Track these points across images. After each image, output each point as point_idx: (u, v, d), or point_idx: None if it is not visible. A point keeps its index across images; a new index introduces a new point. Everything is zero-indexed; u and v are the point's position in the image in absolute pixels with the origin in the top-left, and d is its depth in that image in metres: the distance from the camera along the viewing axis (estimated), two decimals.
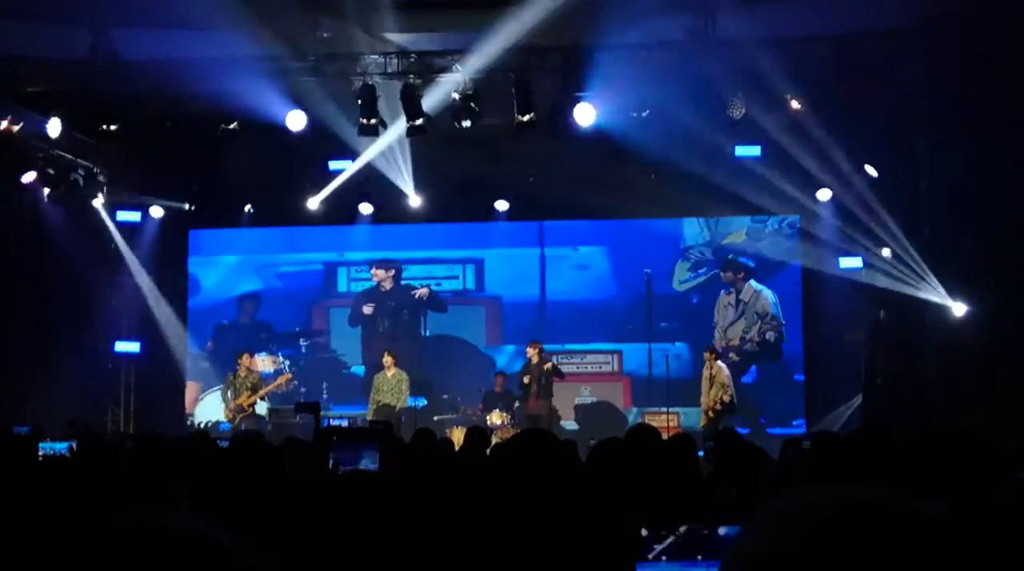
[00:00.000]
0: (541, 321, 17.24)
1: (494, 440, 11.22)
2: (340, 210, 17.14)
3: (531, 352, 15.37)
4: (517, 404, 15.20)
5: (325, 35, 13.82)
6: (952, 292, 13.59)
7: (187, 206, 17.11)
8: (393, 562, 2.02)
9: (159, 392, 17.56)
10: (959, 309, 13.43)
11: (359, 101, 14.12)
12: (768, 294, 17.08)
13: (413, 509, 2.10)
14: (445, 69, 14.14)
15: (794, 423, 16.31)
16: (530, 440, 3.10)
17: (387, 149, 15.51)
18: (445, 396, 16.62)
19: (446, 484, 2.95)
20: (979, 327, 12.82)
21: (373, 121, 14.36)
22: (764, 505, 0.97)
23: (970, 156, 13.01)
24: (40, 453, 8.77)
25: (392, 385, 15.40)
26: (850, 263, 16.08)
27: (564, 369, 15.89)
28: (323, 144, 15.35)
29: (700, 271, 17.32)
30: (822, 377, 16.41)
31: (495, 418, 14.60)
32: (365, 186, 16.76)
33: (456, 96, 14.03)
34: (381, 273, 17.66)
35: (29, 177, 15.81)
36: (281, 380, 16.27)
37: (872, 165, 15.13)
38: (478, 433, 9.14)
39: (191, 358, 17.82)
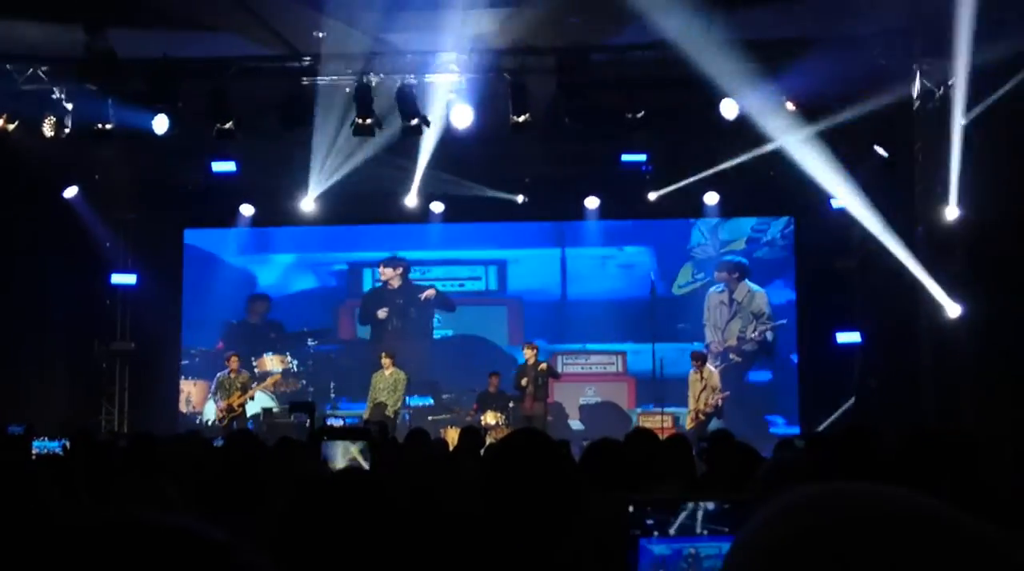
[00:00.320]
0: (562, 320, 17.27)
1: (488, 440, 11.22)
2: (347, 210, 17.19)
3: (527, 353, 15.38)
4: (512, 405, 15.20)
5: (321, 35, 13.81)
6: (948, 293, 13.59)
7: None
8: (384, 561, 2.02)
9: (153, 391, 17.54)
10: (954, 310, 13.43)
11: (355, 101, 14.14)
12: (762, 293, 17.10)
13: (404, 508, 2.10)
14: (442, 69, 14.15)
15: (788, 424, 16.34)
16: (523, 440, 3.10)
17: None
18: (446, 396, 16.72)
19: (438, 483, 2.96)
20: (975, 328, 12.81)
21: (369, 121, 14.36)
22: (757, 504, 0.97)
23: (967, 155, 13.00)
24: (34, 452, 8.78)
25: (388, 384, 15.42)
26: (845, 264, 16.11)
27: (569, 370, 15.98)
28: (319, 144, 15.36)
29: (698, 277, 17.35)
30: (816, 378, 16.42)
31: (490, 418, 14.61)
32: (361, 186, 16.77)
33: (451, 96, 14.05)
34: (389, 271, 17.66)
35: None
36: (269, 381, 16.32)
37: (868, 165, 15.16)
38: (472, 433, 9.15)
39: (188, 356, 17.82)
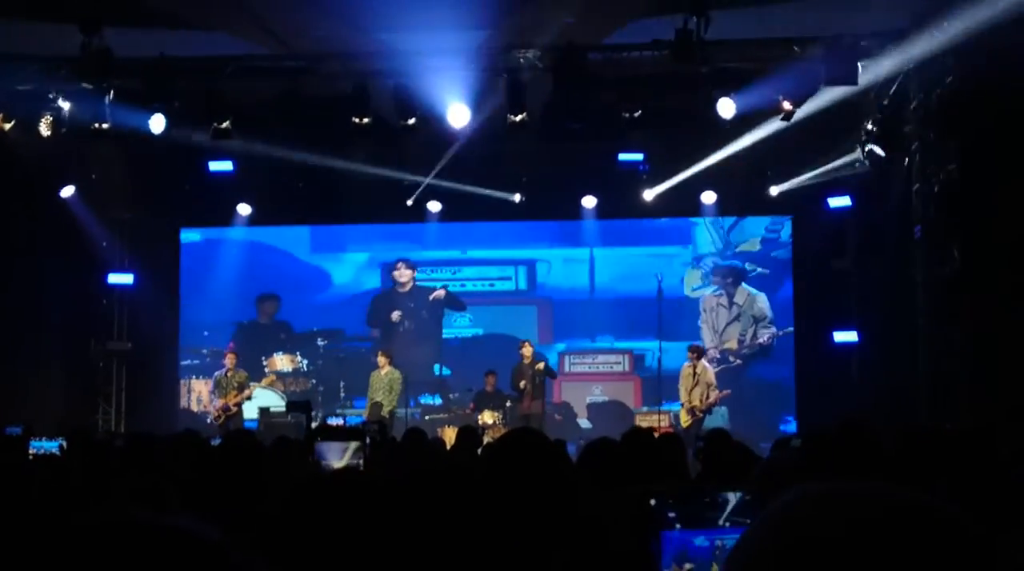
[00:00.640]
0: (588, 319, 17.34)
1: (486, 440, 11.21)
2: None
3: (524, 352, 15.36)
4: (509, 404, 15.19)
5: (317, 35, 13.80)
6: (945, 293, 13.60)
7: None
8: (378, 561, 2.02)
9: (150, 391, 17.52)
10: (951, 310, 13.44)
11: (352, 100, 14.13)
12: (761, 296, 17.11)
13: (400, 507, 2.10)
14: (439, 68, 14.13)
15: (785, 423, 16.36)
16: (520, 439, 3.11)
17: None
18: (453, 395, 16.78)
19: (434, 482, 2.96)
20: (971, 328, 12.83)
21: (366, 120, 14.34)
22: (756, 502, 0.97)
23: (963, 156, 13.01)
24: (31, 451, 8.77)
25: (384, 384, 15.42)
26: (841, 264, 16.13)
27: (577, 369, 16.01)
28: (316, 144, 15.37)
29: (709, 277, 17.39)
30: (813, 377, 16.43)
31: (487, 417, 14.60)
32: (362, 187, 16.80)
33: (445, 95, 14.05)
34: (408, 273, 17.65)
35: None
36: (265, 381, 16.33)
37: (865, 164, 15.18)
38: (469, 432, 9.15)
39: (199, 356, 17.81)
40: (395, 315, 17.50)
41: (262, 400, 16.05)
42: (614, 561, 2.73)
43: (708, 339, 16.93)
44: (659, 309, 16.24)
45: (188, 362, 17.79)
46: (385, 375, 15.46)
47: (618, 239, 17.63)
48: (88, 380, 17.30)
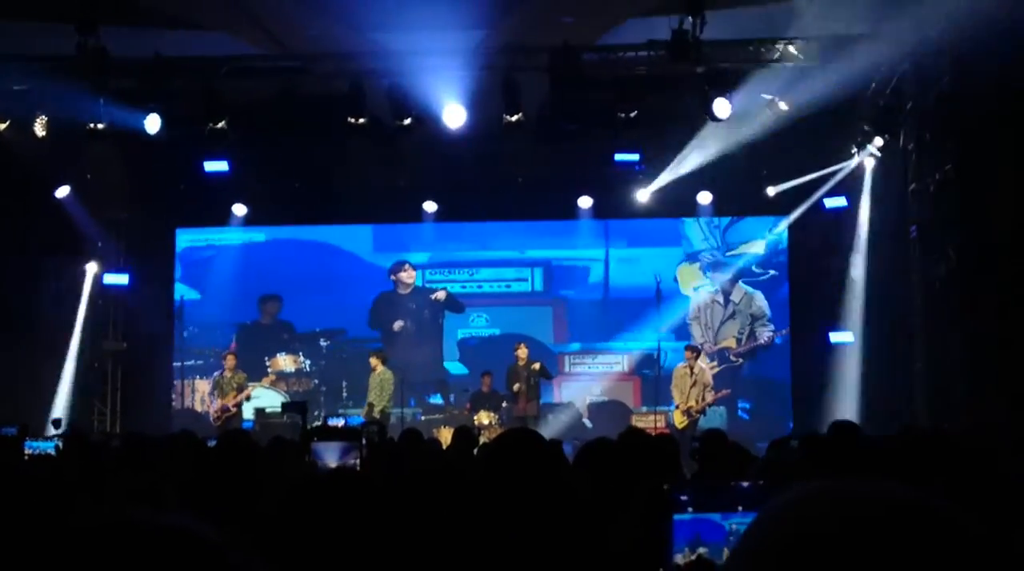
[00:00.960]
0: (603, 319, 17.42)
1: (482, 440, 11.20)
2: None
3: (519, 353, 15.35)
4: (505, 404, 15.18)
5: (312, 34, 13.81)
6: (941, 292, 13.61)
7: None
8: (374, 560, 2.02)
9: (145, 391, 17.49)
10: (947, 309, 13.46)
11: (348, 100, 14.13)
12: (759, 295, 17.13)
13: (396, 507, 2.10)
14: (436, 68, 14.14)
15: (783, 423, 16.36)
16: (516, 440, 3.11)
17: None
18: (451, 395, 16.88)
19: (431, 483, 2.96)
20: (968, 327, 12.84)
21: (363, 120, 14.35)
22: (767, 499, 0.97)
23: (959, 157, 13.03)
24: (26, 452, 8.75)
25: (375, 384, 15.42)
26: (837, 264, 16.14)
27: (578, 370, 16.00)
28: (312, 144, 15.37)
29: (708, 277, 17.41)
30: (809, 377, 16.44)
31: (483, 418, 14.59)
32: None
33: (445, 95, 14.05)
34: (412, 274, 17.66)
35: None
36: (265, 381, 16.30)
37: (861, 164, 15.20)
38: (465, 433, 9.14)
39: (203, 356, 17.79)
40: (397, 325, 17.51)
41: (264, 400, 16.05)
42: (627, 546, 2.74)
43: (698, 335, 16.91)
44: (658, 309, 16.24)
45: (192, 362, 17.76)
46: (377, 376, 15.47)
47: (617, 239, 17.67)
48: (83, 380, 17.28)
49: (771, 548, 0.91)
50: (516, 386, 15.08)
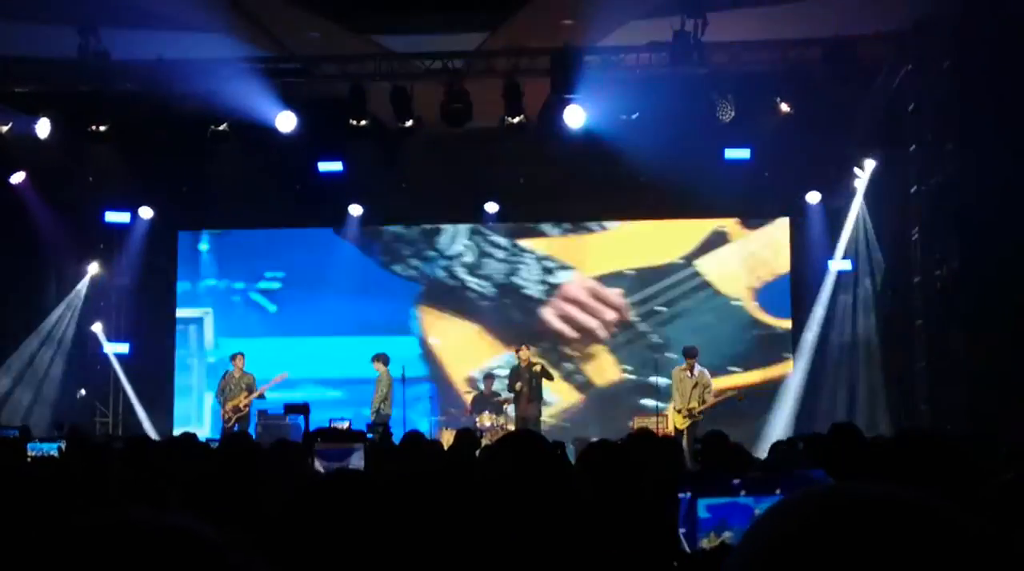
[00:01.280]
0: None
1: (484, 442, 11.19)
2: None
3: (521, 355, 15.33)
4: (506, 406, 15.17)
5: (314, 36, 13.82)
6: (943, 294, 13.61)
7: None
8: (378, 561, 2.03)
9: (147, 393, 17.50)
10: (948, 311, 13.46)
11: (349, 103, 14.13)
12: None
13: (399, 509, 2.10)
14: (435, 71, 14.15)
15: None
16: (518, 441, 3.11)
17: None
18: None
19: (434, 484, 2.97)
20: (969, 329, 12.84)
21: (364, 123, 14.35)
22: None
23: (961, 158, 13.04)
24: (29, 454, 8.75)
25: (377, 387, 15.43)
26: (840, 265, 16.13)
27: None
28: (312, 146, 15.35)
29: None
30: (812, 379, 16.43)
31: (485, 420, 14.59)
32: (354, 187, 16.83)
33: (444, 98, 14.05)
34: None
35: (18, 177, 15.82)
36: (277, 378, 16.22)
37: (862, 167, 15.20)
38: (467, 435, 9.13)
39: (180, 359, 17.80)
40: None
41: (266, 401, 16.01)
42: (649, 528, 2.75)
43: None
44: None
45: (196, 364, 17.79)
46: (379, 380, 15.47)
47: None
48: (86, 383, 17.29)
49: (771, 548, 0.92)
50: (519, 385, 15.07)
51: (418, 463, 6.60)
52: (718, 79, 13.61)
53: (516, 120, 14.07)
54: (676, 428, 14.48)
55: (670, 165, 14.59)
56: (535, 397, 15.17)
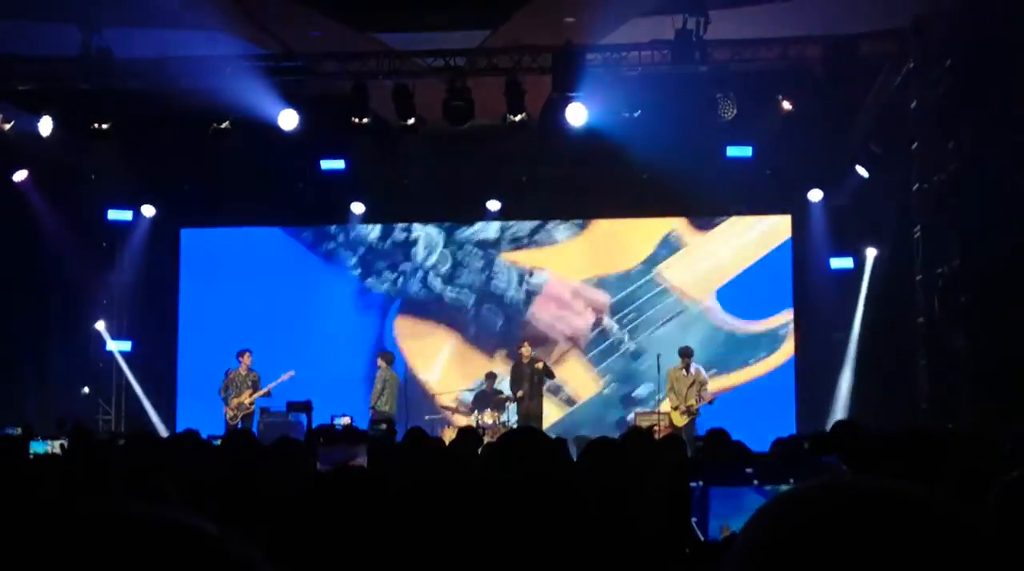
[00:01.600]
0: None
1: (486, 440, 11.20)
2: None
3: (523, 352, 15.34)
4: (508, 404, 15.17)
5: (317, 34, 13.81)
6: (944, 292, 13.59)
7: None
8: (380, 559, 2.03)
9: (150, 391, 17.51)
10: (950, 309, 13.44)
11: (351, 101, 14.12)
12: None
13: (401, 506, 2.11)
14: (437, 69, 14.14)
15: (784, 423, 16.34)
16: (520, 439, 3.12)
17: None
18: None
19: (436, 482, 2.97)
20: (970, 326, 12.82)
21: (365, 120, 14.35)
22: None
23: (962, 156, 13.02)
24: (32, 452, 8.76)
25: (378, 383, 15.45)
26: (841, 263, 16.13)
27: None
28: (315, 143, 15.36)
29: None
30: (813, 376, 16.43)
31: (487, 418, 14.60)
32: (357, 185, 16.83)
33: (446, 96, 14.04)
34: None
35: (20, 176, 15.82)
36: (284, 377, 16.22)
37: (863, 165, 15.18)
38: (469, 433, 9.13)
39: (184, 356, 17.80)
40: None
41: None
42: (658, 519, 2.76)
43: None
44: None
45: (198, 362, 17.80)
46: (380, 376, 15.48)
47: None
48: (89, 381, 17.30)
49: (769, 541, 0.92)
50: (520, 393, 15.07)
51: (420, 460, 6.60)
52: (720, 77, 13.59)
53: (518, 118, 14.06)
54: (676, 426, 14.50)
55: (672, 163, 14.61)
56: (537, 395, 15.18)
